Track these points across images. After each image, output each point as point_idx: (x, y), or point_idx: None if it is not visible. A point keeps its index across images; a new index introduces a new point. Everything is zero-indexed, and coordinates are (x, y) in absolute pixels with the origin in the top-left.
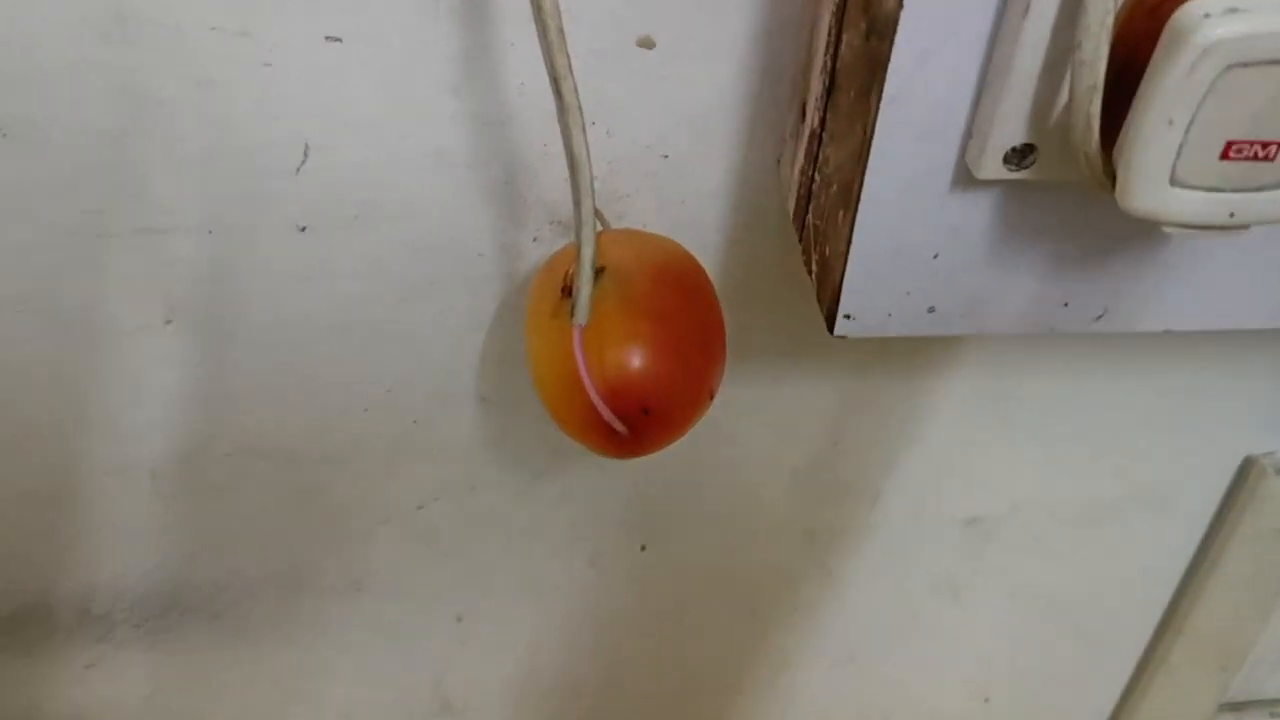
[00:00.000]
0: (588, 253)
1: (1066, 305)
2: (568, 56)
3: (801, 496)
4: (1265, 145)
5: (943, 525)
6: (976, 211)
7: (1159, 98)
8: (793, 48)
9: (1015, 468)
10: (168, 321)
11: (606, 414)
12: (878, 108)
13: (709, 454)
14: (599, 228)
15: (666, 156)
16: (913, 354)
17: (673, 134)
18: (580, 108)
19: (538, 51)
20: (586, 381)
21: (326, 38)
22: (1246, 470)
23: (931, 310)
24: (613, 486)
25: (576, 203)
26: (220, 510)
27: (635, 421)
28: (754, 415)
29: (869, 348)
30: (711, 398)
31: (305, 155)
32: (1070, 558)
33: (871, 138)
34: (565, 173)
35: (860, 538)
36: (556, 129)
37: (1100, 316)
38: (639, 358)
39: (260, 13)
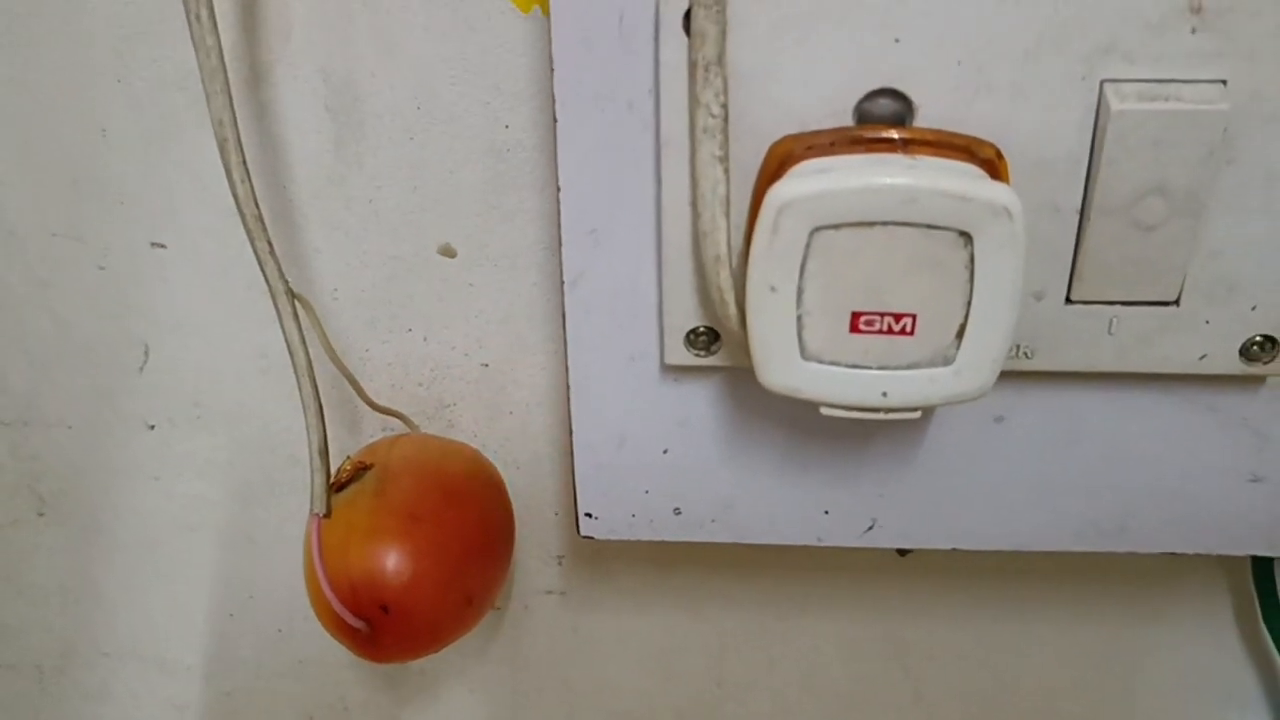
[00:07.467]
0: (314, 438)
1: (827, 513)
2: (268, 242)
3: None
4: (898, 318)
5: None
6: (699, 402)
7: (756, 262)
8: None
9: None
10: (40, 514)
11: (337, 606)
12: (562, 291)
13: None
14: (406, 430)
15: (486, 365)
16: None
17: (489, 341)
18: (289, 293)
19: (344, 258)
20: (318, 569)
21: (152, 244)
22: None
23: (678, 512)
24: None
25: (301, 388)
26: (98, 716)
27: (374, 619)
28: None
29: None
30: (471, 604)
31: (146, 355)
32: None
33: (565, 323)
34: (393, 378)
35: None
36: (378, 334)
37: (870, 529)
38: (382, 554)
39: (90, 219)
